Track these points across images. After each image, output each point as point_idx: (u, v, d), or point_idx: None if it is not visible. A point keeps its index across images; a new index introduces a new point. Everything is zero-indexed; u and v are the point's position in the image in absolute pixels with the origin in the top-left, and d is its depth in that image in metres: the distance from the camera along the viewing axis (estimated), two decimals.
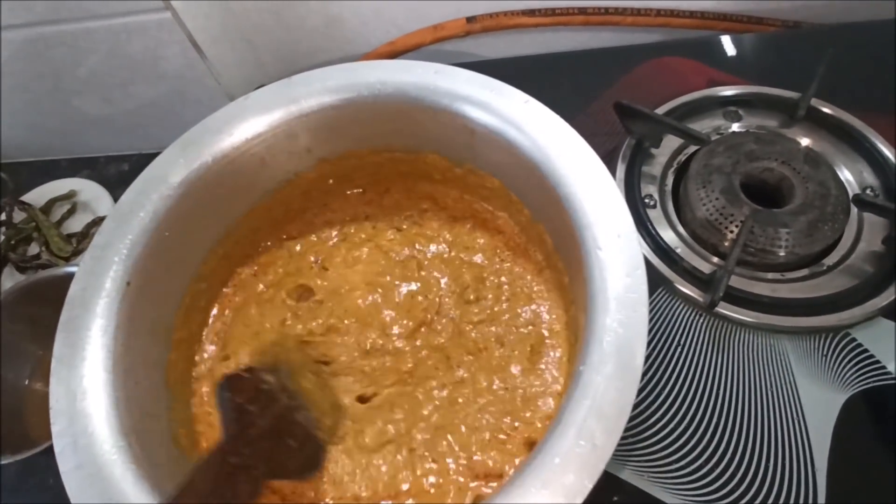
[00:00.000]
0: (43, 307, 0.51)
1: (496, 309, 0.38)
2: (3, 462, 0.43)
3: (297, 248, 0.42)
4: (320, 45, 0.68)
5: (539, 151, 0.32)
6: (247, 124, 0.35)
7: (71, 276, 0.51)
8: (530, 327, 0.37)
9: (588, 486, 0.22)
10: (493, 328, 0.37)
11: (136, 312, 0.31)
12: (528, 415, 0.34)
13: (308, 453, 0.33)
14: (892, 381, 0.38)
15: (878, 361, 0.39)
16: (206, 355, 0.38)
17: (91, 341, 0.29)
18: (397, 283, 0.40)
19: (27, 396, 0.51)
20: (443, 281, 0.39)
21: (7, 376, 0.50)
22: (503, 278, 0.39)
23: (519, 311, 0.37)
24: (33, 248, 0.61)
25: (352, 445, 0.34)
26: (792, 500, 0.35)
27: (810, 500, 0.35)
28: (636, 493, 0.36)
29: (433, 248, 0.41)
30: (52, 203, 0.63)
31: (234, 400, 0.31)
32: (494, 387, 0.35)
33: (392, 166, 0.41)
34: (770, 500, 0.35)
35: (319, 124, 0.36)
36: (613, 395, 0.24)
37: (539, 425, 0.33)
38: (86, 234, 0.61)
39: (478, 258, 0.40)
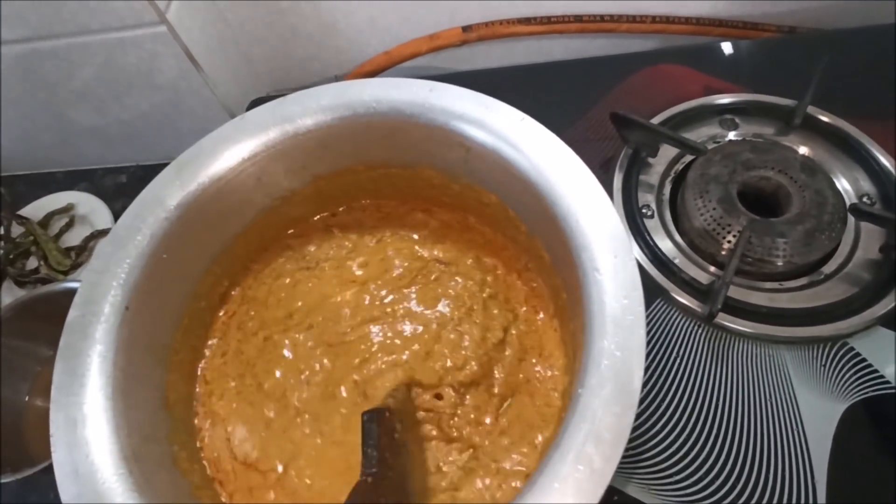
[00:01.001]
0: (42, 323, 0.52)
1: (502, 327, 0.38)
2: (3, 481, 0.43)
3: (294, 262, 0.42)
4: (315, 55, 0.68)
5: (535, 170, 0.31)
6: (241, 145, 0.35)
7: (70, 291, 0.51)
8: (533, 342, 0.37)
9: None
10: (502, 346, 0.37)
11: (135, 336, 0.31)
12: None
13: None
14: (891, 391, 0.38)
15: (876, 371, 0.39)
16: (208, 372, 0.38)
17: (90, 367, 0.29)
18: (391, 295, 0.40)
19: (27, 413, 0.51)
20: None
21: (6, 393, 0.50)
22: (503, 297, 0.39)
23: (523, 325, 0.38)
24: (32, 263, 0.61)
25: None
26: None
27: None
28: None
29: (440, 265, 0.41)
30: (49, 216, 0.63)
31: (381, 439, 0.30)
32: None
33: (388, 182, 0.41)
34: None
35: (314, 142, 0.36)
36: (611, 420, 0.24)
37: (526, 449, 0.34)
38: (84, 248, 0.61)
39: (486, 278, 0.40)
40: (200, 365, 0.37)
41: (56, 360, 0.29)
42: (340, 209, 0.43)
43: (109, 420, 0.28)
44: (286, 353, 0.38)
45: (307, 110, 0.35)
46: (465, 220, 0.42)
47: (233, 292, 0.40)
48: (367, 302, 0.40)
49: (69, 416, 0.28)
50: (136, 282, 0.31)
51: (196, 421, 0.35)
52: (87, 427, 0.27)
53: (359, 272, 0.41)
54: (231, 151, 0.35)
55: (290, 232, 0.43)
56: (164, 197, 0.33)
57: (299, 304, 0.40)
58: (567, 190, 0.30)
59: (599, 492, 0.23)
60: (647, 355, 0.31)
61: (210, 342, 0.38)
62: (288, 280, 0.41)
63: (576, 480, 0.23)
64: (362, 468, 0.29)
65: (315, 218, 0.43)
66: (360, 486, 0.29)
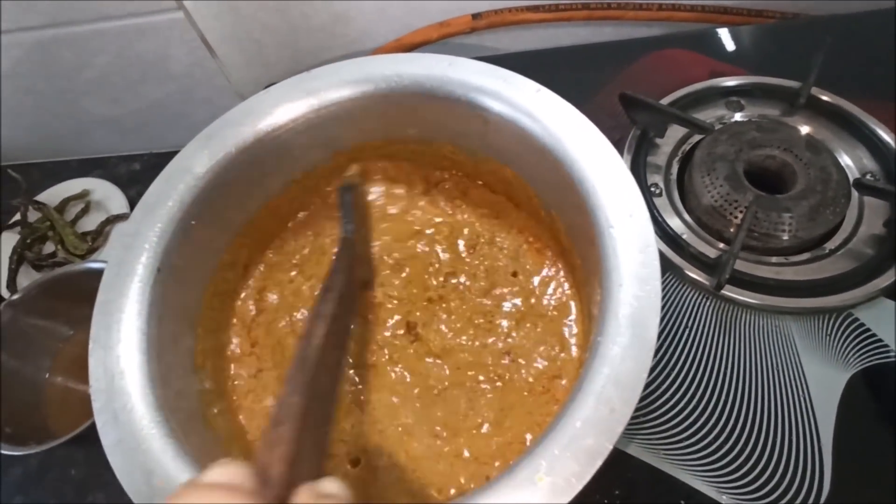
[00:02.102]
0: (61, 302, 0.53)
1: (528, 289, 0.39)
2: (24, 453, 0.44)
3: (312, 236, 0.43)
4: (326, 44, 0.69)
5: (551, 137, 0.33)
6: (268, 116, 0.36)
7: (88, 271, 0.53)
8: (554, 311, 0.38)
9: (608, 447, 0.23)
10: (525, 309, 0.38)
11: (166, 298, 0.32)
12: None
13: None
14: (894, 359, 0.39)
15: (880, 340, 0.40)
16: (235, 339, 0.39)
17: (125, 324, 0.30)
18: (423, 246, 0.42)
19: (47, 390, 0.52)
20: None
21: (26, 370, 0.51)
22: (521, 261, 0.40)
23: (545, 293, 0.39)
24: (49, 247, 0.62)
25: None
26: (798, 475, 0.36)
27: (816, 475, 0.36)
28: (648, 470, 0.37)
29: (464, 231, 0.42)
30: (65, 202, 0.64)
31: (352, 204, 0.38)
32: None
33: (407, 156, 0.42)
34: (777, 475, 0.36)
35: (337, 116, 0.37)
36: (630, 365, 0.25)
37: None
38: (100, 232, 0.62)
39: (505, 244, 0.41)
40: (229, 327, 0.38)
41: (94, 315, 0.30)
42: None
43: (145, 374, 0.29)
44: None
45: (329, 84, 0.37)
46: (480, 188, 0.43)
47: (258, 263, 0.41)
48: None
49: (108, 369, 0.29)
50: (167, 246, 0.32)
51: (229, 381, 0.37)
52: (126, 379, 0.28)
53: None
54: (257, 123, 0.36)
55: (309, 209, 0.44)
56: (193, 165, 0.34)
57: (319, 274, 0.41)
58: (583, 155, 0.31)
59: (619, 430, 0.24)
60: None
61: (238, 308, 0.39)
62: (308, 256, 0.42)
63: (597, 420, 0.24)
64: (343, 231, 0.37)
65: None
66: (344, 242, 0.36)
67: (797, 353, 0.41)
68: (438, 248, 0.41)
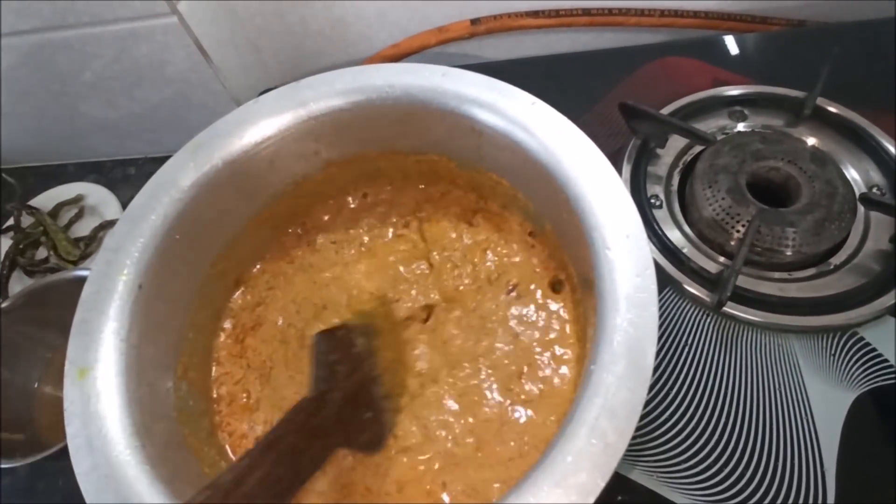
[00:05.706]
0: (52, 310, 0.52)
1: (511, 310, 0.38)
2: (14, 465, 0.44)
3: (304, 250, 0.42)
4: (324, 49, 0.69)
5: (546, 153, 0.32)
6: (256, 128, 0.35)
7: (79, 279, 0.52)
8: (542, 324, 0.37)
9: (601, 484, 0.22)
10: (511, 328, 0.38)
11: (147, 315, 0.31)
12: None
13: (377, 429, 0.34)
14: None
15: (886, 360, 0.39)
16: (219, 353, 0.38)
17: (104, 344, 0.29)
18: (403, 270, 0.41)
19: (37, 400, 0.51)
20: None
21: (16, 380, 0.50)
22: (514, 278, 0.39)
23: (531, 310, 0.38)
24: (41, 253, 0.62)
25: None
26: (801, 499, 0.35)
27: (819, 499, 0.35)
28: (644, 493, 0.36)
29: (446, 247, 0.41)
30: (59, 207, 0.64)
31: (329, 356, 0.32)
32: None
33: (399, 168, 0.41)
34: (779, 499, 0.35)
35: (327, 127, 0.37)
36: (625, 395, 0.24)
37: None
38: (93, 238, 0.61)
39: (489, 257, 0.40)
40: (215, 345, 0.37)
41: (71, 335, 0.29)
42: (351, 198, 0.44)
43: (122, 396, 0.28)
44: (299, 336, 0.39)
45: (321, 95, 0.36)
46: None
47: (245, 277, 0.40)
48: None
49: (83, 392, 0.28)
50: (150, 261, 0.32)
51: (213, 402, 0.36)
52: (101, 402, 0.27)
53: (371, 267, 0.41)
54: (245, 134, 0.35)
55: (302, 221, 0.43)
56: (179, 178, 0.34)
57: (311, 290, 0.41)
58: (579, 171, 0.30)
59: (612, 465, 0.23)
60: (657, 341, 0.31)
61: (224, 325, 0.38)
62: (299, 271, 0.42)
63: (589, 454, 0.23)
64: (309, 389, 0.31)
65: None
66: (301, 402, 0.30)
67: (800, 373, 0.39)
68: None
